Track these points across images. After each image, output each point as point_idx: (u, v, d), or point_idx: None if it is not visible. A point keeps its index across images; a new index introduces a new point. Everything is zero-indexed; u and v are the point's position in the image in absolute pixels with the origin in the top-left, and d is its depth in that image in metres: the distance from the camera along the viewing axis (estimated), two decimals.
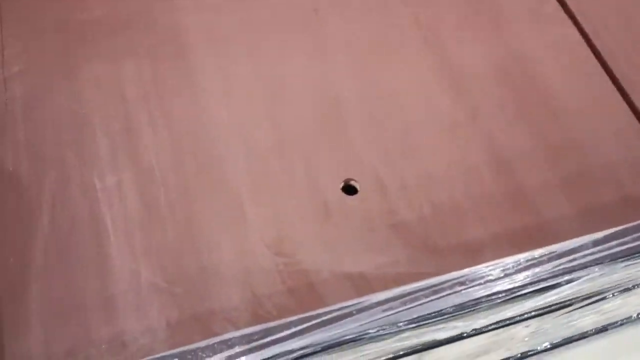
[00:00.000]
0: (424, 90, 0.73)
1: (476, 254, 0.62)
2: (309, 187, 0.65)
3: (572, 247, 0.55)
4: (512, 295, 0.53)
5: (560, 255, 0.55)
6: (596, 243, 0.55)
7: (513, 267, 0.54)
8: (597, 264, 0.54)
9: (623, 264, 0.55)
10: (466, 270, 0.53)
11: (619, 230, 0.56)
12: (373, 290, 0.59)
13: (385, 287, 0.59)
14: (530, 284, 0.54)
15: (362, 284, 0.60)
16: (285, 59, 0.74)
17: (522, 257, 0.55)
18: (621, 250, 0.55)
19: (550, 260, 0.54)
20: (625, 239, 0.56)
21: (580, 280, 0.54)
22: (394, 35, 0.77)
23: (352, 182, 0.67)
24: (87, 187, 0.63)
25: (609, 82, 0.76)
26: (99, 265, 0.59)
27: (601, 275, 0.54)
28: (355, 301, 0.52)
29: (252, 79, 0.72)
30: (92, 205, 0.62)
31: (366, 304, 0.52)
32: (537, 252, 0.55)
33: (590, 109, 0.73)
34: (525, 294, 0.53)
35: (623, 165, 0.69)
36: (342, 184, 0.66)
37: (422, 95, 0.73)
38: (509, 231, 0.64)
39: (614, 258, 0.55)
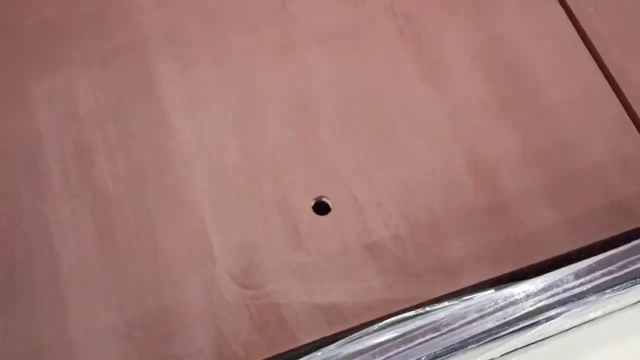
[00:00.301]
0: (401, 89, 0.69)
1: (456, 275, 0.59)
2: (279, 208, 0.62)
3: (552, 281, 0.51)
4: (490, 338, 0.50)
5: (538, 293, 0.51)
6: (578, 276, 0.52)
7: (489, 307, 0.51)
8: (580, 299, 0.51)
9: (607, 296, 0.51)
10: (441, 315, 0.50)
11: (602, 259, 0.53)
12: (346, 323, 0.57)
13: (359, 319, 0.57)
14: (508, 324, 0.50)
15: (335, 315, 0.57)
16: (252, 61, 0.69)
17: (500, 295, 0.51)
18: (605, 282, 0.52)
19: (528, 298, 0.51)
20: (610, 267, 0.52)
21: (563, 316, 0.51)
22: (367, 28, 0.72)
23: (324, 199, 0.63)
24: (40, 221, 0.59)
25: (599, 73, 0.71)
26: (56, 308, 0.56)
27: (584, 309, 0.51)
28: (319, 352, 0.49)
29: (216, 87, 0.67)
30: (47, 241, 0.58)
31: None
32: (515, 290, 0.51)
33: (578, 104, 0.69)
34: (505, 334, 0.50)
35: (612, 167, 0.65)
36: (313, 202, 0.63)
37: (399, 95, 0.68)
38: (490, 248, 0.61)
39: (597, 290, 0.52)
